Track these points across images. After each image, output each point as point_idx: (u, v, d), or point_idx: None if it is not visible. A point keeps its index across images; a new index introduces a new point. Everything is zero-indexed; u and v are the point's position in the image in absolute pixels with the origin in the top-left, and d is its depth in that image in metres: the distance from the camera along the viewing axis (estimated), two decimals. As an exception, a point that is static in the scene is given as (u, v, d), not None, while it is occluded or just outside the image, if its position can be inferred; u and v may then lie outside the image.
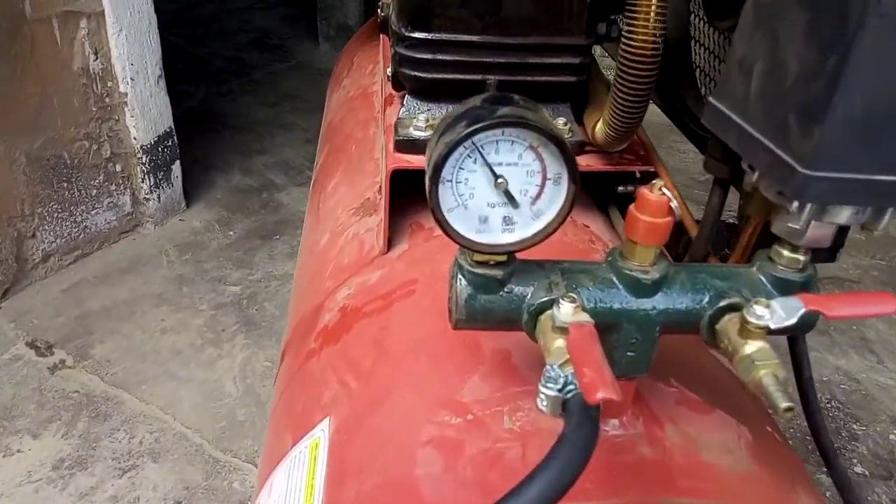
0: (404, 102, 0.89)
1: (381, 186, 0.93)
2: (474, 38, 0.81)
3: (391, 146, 0.85)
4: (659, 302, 0.52)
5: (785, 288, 0.53)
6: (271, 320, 2.11)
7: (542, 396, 0.43)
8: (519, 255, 0.51)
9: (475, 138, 0.44)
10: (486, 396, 0.60)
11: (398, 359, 0.70)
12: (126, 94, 2.25)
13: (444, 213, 0.46)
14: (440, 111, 0.87)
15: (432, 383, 0.65)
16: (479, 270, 0.50)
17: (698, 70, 1.16)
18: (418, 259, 0.85)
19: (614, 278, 0.52)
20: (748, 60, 0.52)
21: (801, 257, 0.53)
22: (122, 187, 2.39)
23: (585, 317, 0.46)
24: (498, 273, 0.50)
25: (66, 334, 2.05)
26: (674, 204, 0.49)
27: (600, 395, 0.38)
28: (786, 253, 0.53)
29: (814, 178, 0.46)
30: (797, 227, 0.50)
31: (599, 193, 0.99)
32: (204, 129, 3.16)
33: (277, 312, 2.14)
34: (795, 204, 0.47)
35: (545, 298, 0.50)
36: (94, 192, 2.31)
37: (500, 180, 0.46)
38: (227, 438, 1.74)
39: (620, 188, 0.92)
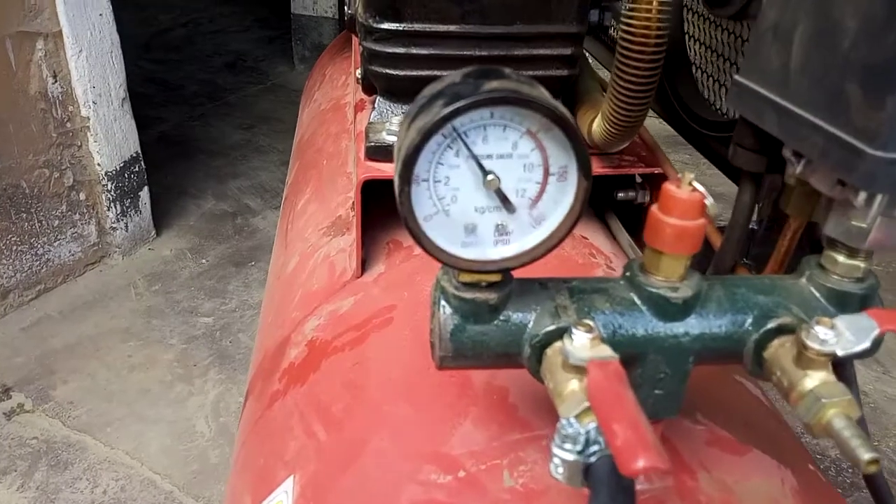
0: (375, 105, 0.79)
1: (353, 202, 0.83)
2: (452, 28, 0.72)
3: (362, 154, 0.75)
4: (692, 326, 0.42)
5: (842, 302, 0.43)
6: (246, 352, 1.99)
7: (557, 461, 0.33)
8: (516, 274, 0.41)
9: (456, 122, 0.34)
10: (480, 447, 0.49)
11: (375, 402, 0.59)
12: (88, 119, 2.13)
13: (420, 221, 0.36)
14: (416, 114, 0.77)
15: (415, 432, 0.54)
16: (466, 294, 0.39)
17: (696, 69, 1.07)
18: (396, 282, 0.74)
19: (636, 298, 0.41)
20: (785, 25, 0.43)
21: (862, 264, 0.43)
22: (86, 216, 2.26)
23: (608, 350, 0.35)
24: (491, 297, 0.40)
25: (25, 376, 1.91)
26: (709, 201, 0.39)
27: (641, 464, 0.27)
28: (841, 259, 0.43)
29: (887, 160, 0.36)
30: (862, 225, 0.40)
31: (596, 201, 0.89)
32: (176, 154, 3.05)
33: (252, 343, 2.01)
34: (862, 196, 0.38)
35: (552, 327, 0.39)
36: (57, 222, 2.18)
37: (490, 177, 0.36)
38: (200, 483, 1.60)
39: (620, 194, 0.83)
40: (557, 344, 0.39)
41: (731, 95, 0.47)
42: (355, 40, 1.16)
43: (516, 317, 0.40)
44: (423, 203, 0.36)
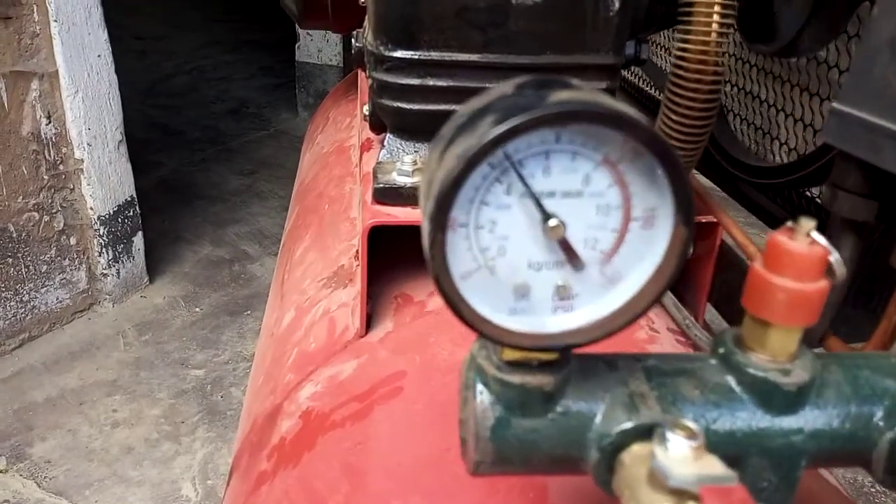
0: (385, 143, 0.71)
1: (358, 250, 0.73)
2: (474, 57, 0.63)
3: (369, 197, 0.66)
4: (807, 420, 0.32)
5: None
6: (238, 408, 1.86)
7: None
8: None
9: (510, 147, 0.24)
10: (517, 566, 0.39)
11: (379, 495, 0.49)
12: (82, 161, 2.06)
13: (457, 280, 0.26)
14: (431, 153, 0.68)
15: (432, 540, 0.43)
16: (513, 378, 0.30)
17: (728, 112, 0.99)
18: (406, 343, 0.64)
19: (734, 384, 0.31)
20: (911, 38, 0.34)
21: None
22: (76, 262, 2.17)
23: (720, 467, 0.25)
24: (545, 381, 0.30)
25: (0, 431, 1.78)
26: (834, 257, 0.30)
27: None
28: None
29: None
30: None
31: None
32: (174, 199, 2.98)
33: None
34: None
35: (628, 424, 0.29)
36: (45, 268, 2.08)
37: (552, 222, 0.26)
38: (182, 555, 1.47)
39: (659, 246, 0.73)
40: (636, 447, 0.29)
41: (830, 128, 0.38)
42: (362, 77, 1.09)
43: (578, 408, 0.30)
44: (461, 256, 0.27)
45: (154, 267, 2.44)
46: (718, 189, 0.98)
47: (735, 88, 0.99)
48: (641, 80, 1.21)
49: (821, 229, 0.29)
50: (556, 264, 0.28)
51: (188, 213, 2.88)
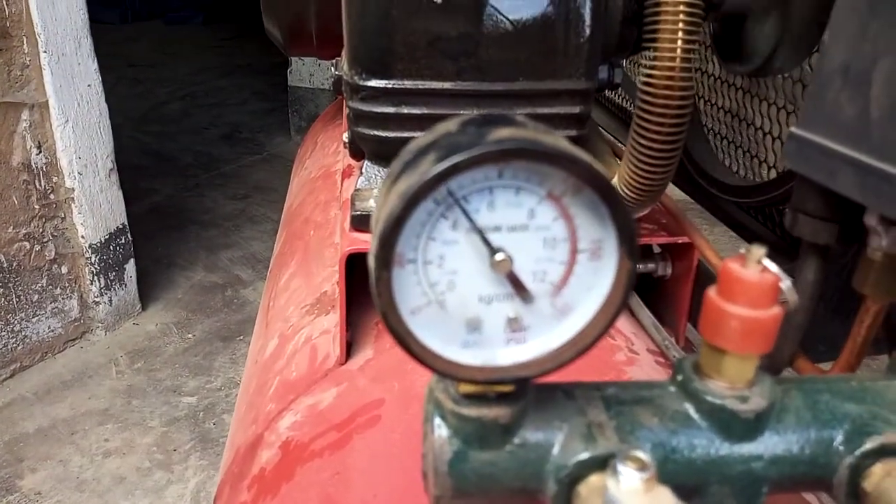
0: (363, 171, 0.71)
1: (339, 277, 0.74)
2: (447, 85, 0.64)
3: (347, 224, 0.66)
4: (767, 447, 0.32)
5: (954, 410, 0.33)
6: (231, 435, 1.85)
7: None
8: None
9: (453, 183, 0.25)
10: None
11: (356, 527, 0.48)
12: (73, 190, 2.06)
13: (405, 316, 0.26)
14: (408, 179, 0.69)
15: (405, 573, 0.43)
16: (469, 411, 0.30)
17: (709, 131, 1.00)
18: (386, 370, 0.64)
19: (692, 411, 0.31)
20: (859, 64, 0.35)
21: (976, 360, 0.33)
22: (68, 291, 2.16)
23: (674, 501, 0.25)
24: (502, 413, 0.30)
25: (-9, 463, 1.77)
26: (785, 284, 0.30)
27: None
28: (948, 354, 0.33)
29: None
30: None
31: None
32: (167, 225, 2.98)
33: (239, 425, 1.88)
34: None
35: (585, 455, 0.29)
36: (36, 297, 2.08)
37: (499, 256, 0.27)
38: (173, 587, 1.45)
39: (638, 266, 0.73)
40: (594, 479, 0.29)
41: (789, 151, 0.38)
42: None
43: (536, 439, 0.30)
44: (410, 292, 0.27)
45: (147, 294, 2.44)
46: (703, 209, 0.99)
47: (713, 107, 1.00)
48: (623, 98, 1.22)
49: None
50: (506, 297, 0.28)
51: (181, 238, 2.89)
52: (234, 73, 5.40)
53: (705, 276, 0.75)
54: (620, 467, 0.26)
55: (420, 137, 0.27)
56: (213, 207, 3.21)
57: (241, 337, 2.27)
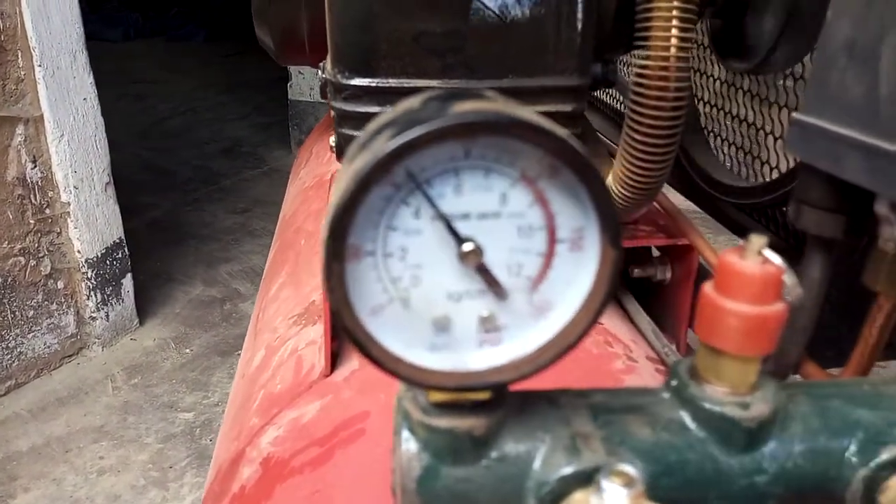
0: (348, 174, 0.68)
1: (325, 286, 0.71)
2: (433, 83, 0.62)
3: (330, 230, 0.63)
4: (771, 459, 0.29)
5: (978, 416, 0.30)
6: (228, 452, 1.82)
7: None
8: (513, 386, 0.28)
9: (412, 164, 0.22)
10: None
11: (334, 548, 0.45)
12: (69, 204, 2.04)
13: (362, 317, 0.23)
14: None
15: None
16: (440, 422, 0.27)
17: (709, 133, 0.98)
18: (371, 381, 0.61)
19: (688, 420, 0.28)
20: (866, 39, 0.32)
21: None
22: (64, 306, 2.14)
23: (663, 520, 0.22)
24: (477, 424, 0.27)
25: (-17, 484, 1.74)
26: (789, 277, 0.27)
27: None
28: (970, 355, 0.30)
29: None
30: None
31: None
32: (166, 239, 2.96)
33: (235, 441, 1.85)
34: None
35: (569, 470, 0.26)
36: (31, 313, 2.05)
37: (467, 247, 0.24)
38: None
39: (637, 271, 0.70)
40: (579, 496, 0.26)
41: (791, 138, 0.35)
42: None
43: (515, 453, 0.27)
44: (369, 288, 0.24)
45: (144, 309, 2.42)
46: (701, 211, 0.96)
47: (713, 108, 0.97)
48: (616, 99, 1.20)
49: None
50: (477, 293, 0.25)
51: (180, 253, 2.87)
52: (235, 88, 5.41)
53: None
54: (605, 483, 0.23)
55: (382, 115, 0.25)
56: (213, 221, 3.19)
57: (239, 352, 2.24)
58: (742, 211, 0.89)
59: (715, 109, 0.96)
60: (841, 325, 0.53)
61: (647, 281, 0.72)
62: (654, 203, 0.69)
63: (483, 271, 0.24)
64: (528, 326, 0.26)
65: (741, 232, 0.89)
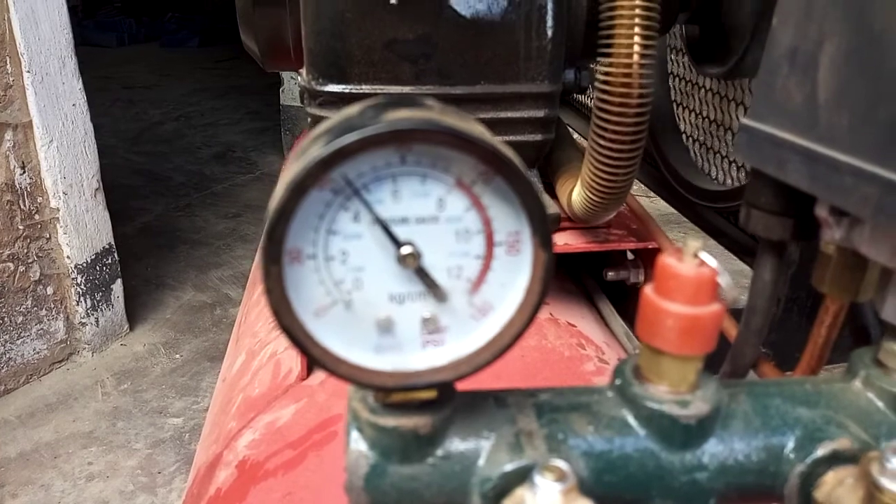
0: (325, 179, 0.69)
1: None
2: (406, 89, 0.63)
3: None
4: (712, 456, 0.29)
5: (916, 413, 0.31)
6: (217, 457, 1.82)
7: None
8: (464, 384, 0.29)
9: (349, 170, 0.23)
10: None
11: (302, 549, 0.46)
12: (58, 210, 2.04)
13: (304, 319, 0.24)
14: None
15: None
16: (387, 421, 0.27)
17: (687, 138, 0.99)
18: (345, 385, 0.62)
19: (630, 418, 0.29)
20: (806, 47, 0.33)
21: (938, 359, 0.31)
22: (53, 312, 2.14)
23: (588, 513, 0.23)
24: (422, 423, 0.28)
25: (-30, 489, 1.73)
26: (724, 279, 0.28)
27: None
28: (909, 353, 0.31)
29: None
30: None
31: (583, 281, 0.77)
32: (157, 244, 2.96)
33: (225, 446, 1.84)
34: (943, 267, 0.26)
35: (510, 466, 0.27)
36: (21, 318, 2.05)
37: (405, 250, 0.25)
38: None
39: (610, 274, 0.71)
40: (520, 492, 0.26)
41: (739, 143, 0.36)
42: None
43: (461, 450, 0.28)
44: (312, 290, 0.25)
45: (135, 314, 2.42)
46: (680, 215, 0.97)
47: (691, 113, 0.98)
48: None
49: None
50: (419, 295, 0.26)
51: (171, 258, 2.87)
52: (228, 93, 5.42)
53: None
54: (538, 479, 0.24)
55: (322, 123, 0.25)
56: (205, 227, 3.19)
57: (229, 356, 2.24)
58: (718, 214, 0.90)
59: (689, 112, 0.97)
60: (809, 328, 0.54)
61: (621, 284, 0.73)
62: (627, 208, 0.70)
63: (422, 274, 0.25)
64: (470, 327, 0.26)
65: (716, 234, 0.91)
